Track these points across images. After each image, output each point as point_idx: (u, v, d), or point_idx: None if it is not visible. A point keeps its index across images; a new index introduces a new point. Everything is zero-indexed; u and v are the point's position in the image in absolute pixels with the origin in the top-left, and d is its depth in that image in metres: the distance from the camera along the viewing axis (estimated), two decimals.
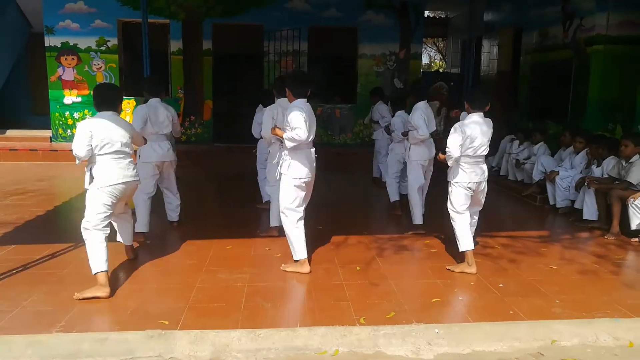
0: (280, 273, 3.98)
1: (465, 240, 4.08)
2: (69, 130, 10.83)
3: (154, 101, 4.90)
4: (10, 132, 11.00)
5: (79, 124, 3.64)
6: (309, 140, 3.96)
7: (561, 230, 5.51)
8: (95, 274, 3.53)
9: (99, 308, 3.35)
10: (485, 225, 4.69)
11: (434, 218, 5.32)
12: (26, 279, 3.79)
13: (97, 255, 3.55)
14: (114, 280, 3.75)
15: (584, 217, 5.52)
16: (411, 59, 11.39)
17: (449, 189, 4.20)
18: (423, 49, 12.07)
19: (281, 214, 4.07)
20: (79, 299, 3.44)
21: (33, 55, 12.06)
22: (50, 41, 10.56)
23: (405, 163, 5.67)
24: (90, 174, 3.60)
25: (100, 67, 10.70)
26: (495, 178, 7.77)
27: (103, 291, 3.49)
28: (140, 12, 10.20)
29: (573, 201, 5.94)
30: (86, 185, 3.62)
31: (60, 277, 3.84)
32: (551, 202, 6.36)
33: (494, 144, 5.49)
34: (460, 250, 4.10)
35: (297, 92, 4.00)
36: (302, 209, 4.05)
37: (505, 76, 11.06)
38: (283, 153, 4.03)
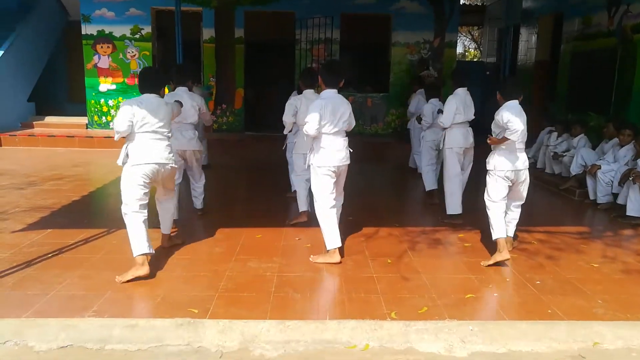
0: (310, 264, 3.93)
1: (498, 229, 3.97)
2: (104, 118, 11.03)
3: (180, 90, 4.92)
4: (49, 119, 11.28)
5: (123, 102, 3.71)
6: (333, 130, 3.93)
7: (602, 226, 5.28)
8: (136, 256, 3.56)
9: (130, 294, 3.37)
10: (522, 220, 4.53)
11: (470, 212, 5.17)
12: (61, 263, 3.85)
13: (138, 237, 3.58)
14: None
15: (627, 214, 5.26)
16: (446, 47, 11.12)
17: (487, 178, 4.07)
18: (458, 38, 11.77)
19: (314, 203, 4.08)
20: (122, 282, 3.49)
21: (70, 44, 12.31)
22: (87, 29, 10.74)
23: (439, 150, 5.59)
24: (127, 152, 3.63)
25: (135, 55, 10.83)
26: (531, 171, 7.50)
27: (143, 270, 3.54)
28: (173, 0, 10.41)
29: (616, 196, 5.69)
30: (119, 162, 3.65)
31: (93, 262, 3.89)
32: (591, 197, 6.11)
33: (531, 136, 5.30)
34: (493, 238, 3.98)
35: (328, 81, 3.99)
36: (333, 197, 4.02)
37: (543, 66, 10.69)
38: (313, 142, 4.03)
